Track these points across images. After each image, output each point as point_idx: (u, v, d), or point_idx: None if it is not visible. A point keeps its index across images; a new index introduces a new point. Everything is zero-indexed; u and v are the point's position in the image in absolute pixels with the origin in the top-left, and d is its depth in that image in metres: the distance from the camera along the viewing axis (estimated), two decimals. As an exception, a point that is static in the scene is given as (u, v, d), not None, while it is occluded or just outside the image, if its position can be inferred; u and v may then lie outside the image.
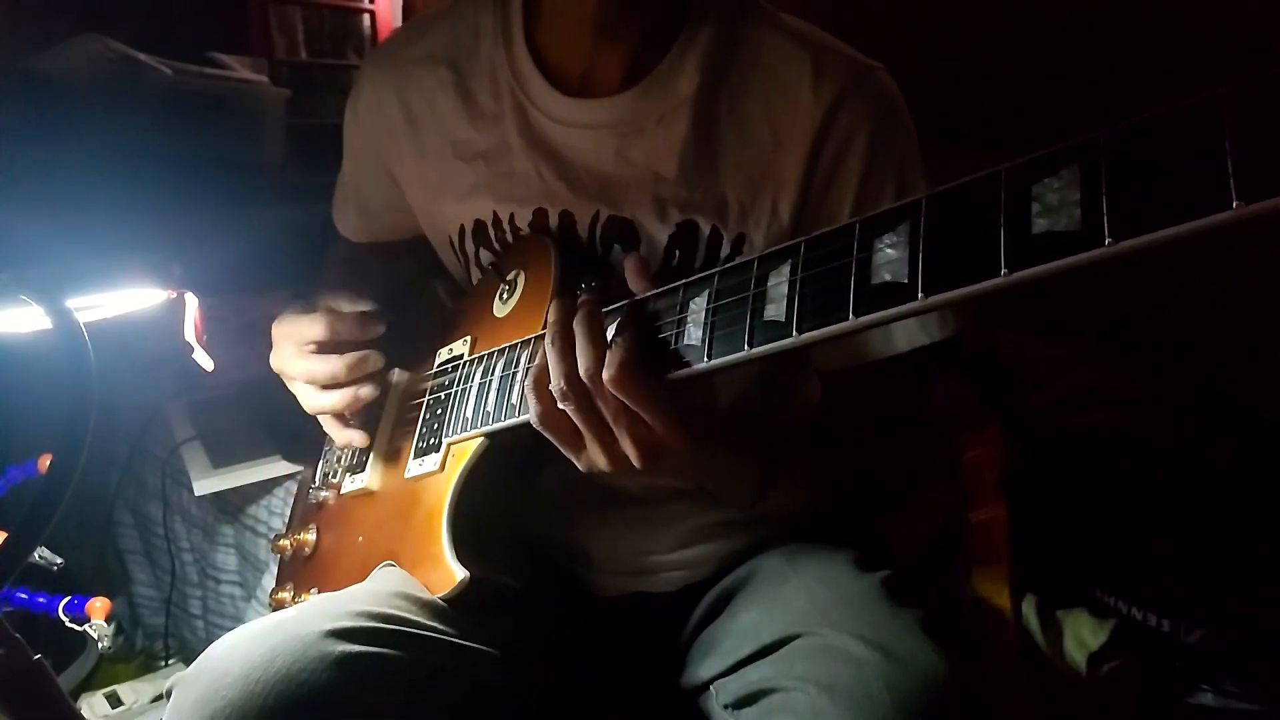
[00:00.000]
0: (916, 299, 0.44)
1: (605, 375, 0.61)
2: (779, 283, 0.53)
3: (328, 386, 0.87)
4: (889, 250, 0.47)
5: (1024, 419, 1.43)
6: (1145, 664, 1.24)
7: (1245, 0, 1.25)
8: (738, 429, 0.79)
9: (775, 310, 0.53)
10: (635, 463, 0.64)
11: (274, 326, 0.90)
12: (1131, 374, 1.51)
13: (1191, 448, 1.43)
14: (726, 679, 0.79)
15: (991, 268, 0.42)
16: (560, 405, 0.64)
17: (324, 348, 0.86)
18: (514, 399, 0.74)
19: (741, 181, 0.81)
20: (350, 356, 0.85)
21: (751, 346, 0.54)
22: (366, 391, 0.87)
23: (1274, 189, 0.35)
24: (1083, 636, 1.25)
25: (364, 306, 0.88)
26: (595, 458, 0.66)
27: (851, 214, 0.77)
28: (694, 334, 0.59)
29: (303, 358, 0.87)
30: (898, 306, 0.46)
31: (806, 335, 0.51)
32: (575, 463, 0.67)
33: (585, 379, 0.62)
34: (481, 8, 0.89)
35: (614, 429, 0.63)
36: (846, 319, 0.48)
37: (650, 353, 0.61)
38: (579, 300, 0.66)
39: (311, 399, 0.88)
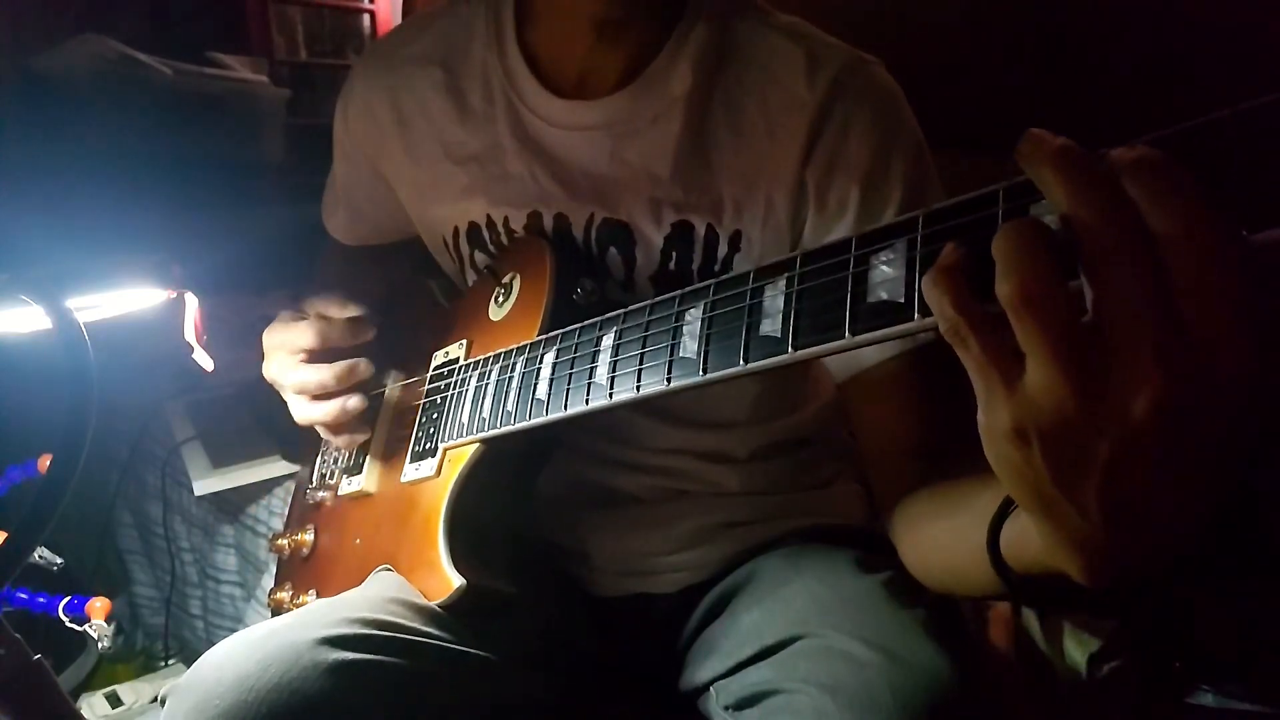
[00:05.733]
0: (913, 319, 0.43)
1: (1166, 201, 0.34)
2: (775, 297, 0.52)
3: (318, 397, 0.87)
4: (885, 268, 0.46)
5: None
6: (1145, 664, 1.24)
7: (1247, 2, 1.25)
8: None
9: (771, 325, 0.52)
10: (1142, 401, 0.34)
11: (265, 335, 0.90)
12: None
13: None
14: (727, 680, 0.79)
15: (990, 289, 0.40)
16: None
17: (314, 356, 0.86)
18: (510, 405, 0.74)
19: (736, 177, 0.80)
20: (340, 366, 0.85)
21: (747, 361, 0.53)
22: (354, 403, 0.86)
23: None
24: (1083, 637, 1.25)
25: (354, 311, 0.87)
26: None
27: (861, 204, 0.77)
28: (689, 346, 0.58)
29: (293, 368, 0.86)
30: (894, 326, 0.45)
31: (802, 352, 0.50)
32: (995, 407, 0.38)
33: (1097, 217, 0.34)
34: (475, 8, 0.89)
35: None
36: (842, 337, 0.47)
37: None
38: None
39: (302, 410, 0.88)
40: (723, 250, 0.82)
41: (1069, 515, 0.38)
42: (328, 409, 0.86)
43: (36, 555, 1.20)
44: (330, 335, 0.86)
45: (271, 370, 0.89)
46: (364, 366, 0.86)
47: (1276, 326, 0.34)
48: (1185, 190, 0.33)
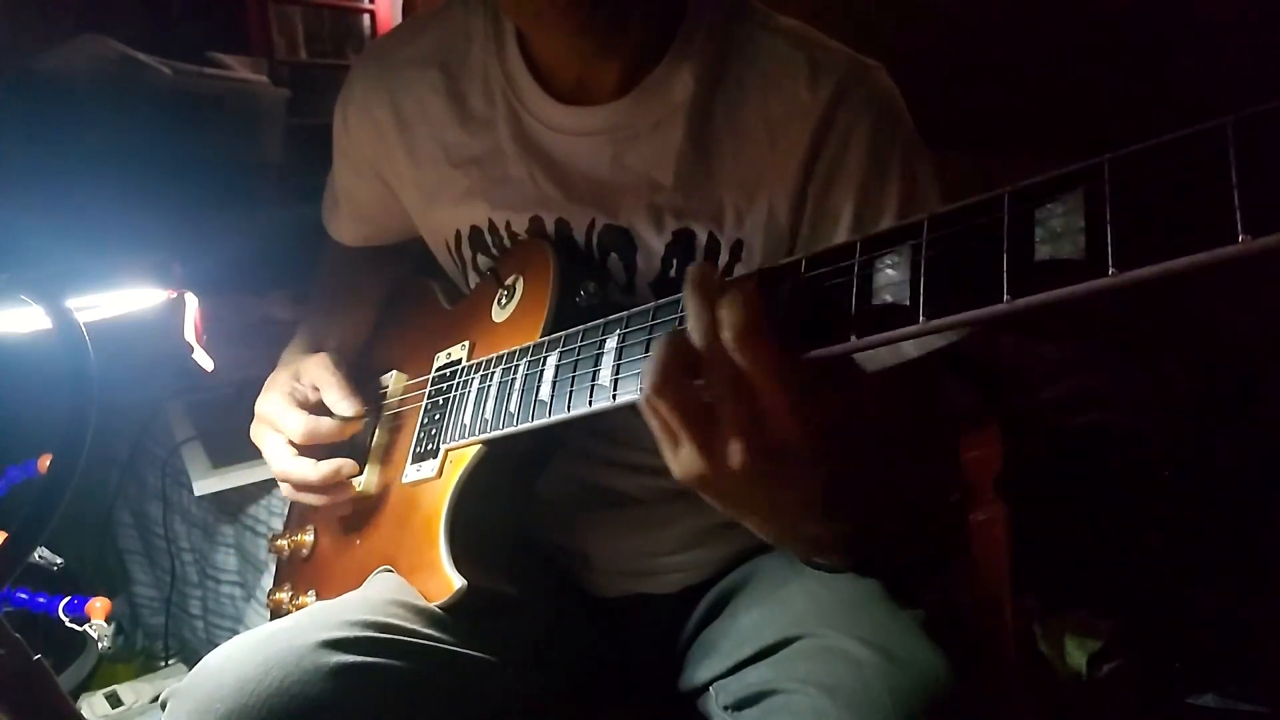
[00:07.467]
0: (918, 322, 0.44)
1: (725, 333, 0.50)
2: (780, 300, 0.52)
3: (300, 487, 0.88)
4: (890, 271, 0.46)
5: (1023, 419, 1.43)
6: (1145, 664, 1.24)
7: (1249, 7, 1.25)
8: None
9: None
10: (736, 460, 0.52)
11: (259, 399, 0.91)
12: (1131, 375, 1.51)
13: (1190, 449, 1.43)
14: (726, 680, 0.79)
15: (994, 294, 0.42)
16: (653, 385, 0.53)
17: (302, 450, 0.87)
18: (512, 407, 0.74)
19: (737, 185, 0.80)
20: (326, 468, 0.85)
21: None
22: (336, 501, 0.88)
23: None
24: (1083, 637, 1.25)
25: (350, 411, 0.88)
26: (693, 455, 0.54)
27: (855, 213, 0.77)
28: None
29: (279, 454, 0.88)
30: (899, 329, 0.45)
31: (808, 354, 0.50)
32: (671, 466, 0.56)
33: (700, 342, 0.51)
34: (473, 11, 0.88)
35: (721, 409, 0.53)
36: (848, 339, 0.48)
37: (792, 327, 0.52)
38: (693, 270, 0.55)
39: (284, 488, 0.90)
40: (724, 259, 0.81)
41: (737, 515, 0.61)
42: (311, 499, 0.88)
43: (36, 555, 1.21)
44: (319, 434, 0.87)
45: (259, 437, 0.90)
46: (348, 468, 0.86)
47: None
48: (742, 316, 0.49)
